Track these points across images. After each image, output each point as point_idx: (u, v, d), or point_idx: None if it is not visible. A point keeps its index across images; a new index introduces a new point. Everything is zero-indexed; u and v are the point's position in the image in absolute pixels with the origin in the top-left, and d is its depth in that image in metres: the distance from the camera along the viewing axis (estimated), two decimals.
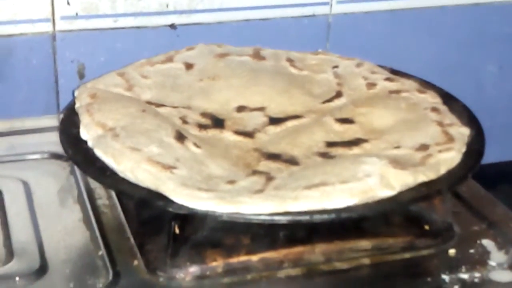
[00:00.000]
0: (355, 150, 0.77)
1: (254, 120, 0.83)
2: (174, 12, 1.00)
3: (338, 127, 0.82)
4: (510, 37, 1.16)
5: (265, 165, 0.74)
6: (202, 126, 0.81)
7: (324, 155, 0.77)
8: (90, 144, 0.76)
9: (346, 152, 0.77)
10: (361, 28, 1.08)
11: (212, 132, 0.80)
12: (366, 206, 0.68)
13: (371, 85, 0.89)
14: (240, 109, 0.85)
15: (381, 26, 1.09)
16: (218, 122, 0.82)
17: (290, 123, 0.83)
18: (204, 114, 0.83)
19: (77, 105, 0.82)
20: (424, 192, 0.70)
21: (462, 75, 1.14)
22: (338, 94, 0.87)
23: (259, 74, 0.90)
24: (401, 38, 1.10)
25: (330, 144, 0.79)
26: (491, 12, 1.13)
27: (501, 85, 1.19)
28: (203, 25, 1.02)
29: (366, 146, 0.78)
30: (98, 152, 0.73)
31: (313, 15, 1.06)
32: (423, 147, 0.76)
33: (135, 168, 0.70)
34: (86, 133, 0.77)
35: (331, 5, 1.06)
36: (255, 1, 1.03)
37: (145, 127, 0.76)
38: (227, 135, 0.80)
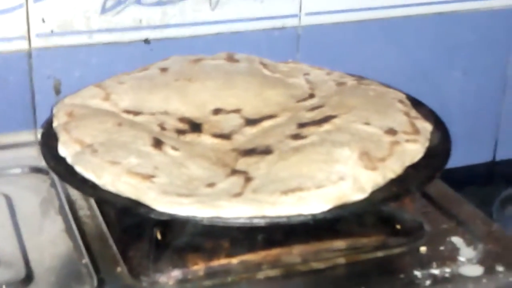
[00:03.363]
0: (326, 126, 0.79)
1: (231, 122, 0.84)
2: (148, 27, 1.02)
3: (309, 114, 0.83)
4: (472, 43, 1.19)
5: (243, 162, 0.75)
6: (180, 132, 0.81)
7: (296, 136, 0.78)
8: (69, 160, 0.76)
9: (317, 130, 0.78)
10: (330, 38, 1.10)
11: (190, 137, 0.81)
12: (340, 207, 0.69)
13: (341, 84, 0.91)
14: (217, 111, 0.86)
15: (349, 36, 1.11)
16: (195, 127, 0.83)
17: (266, 123, 0.83)
18: (181, 119, 0.84)
19: (54, 124, 0.82)
20: (395, 191, 0.73)
21: (428, 81, 1.17)
22: (311, 96, 0.89)
23: (234, 76, 0.91)
24: (368, 47, 1.13)
25: (301, 125, 0.80)
26: (454, 21, 1.16)
27: (465, 90, 1.22)
28: (176, 39, 1.03)
29: (336, 121, 0.79)
30: (79, 168, 0.74)
31: (283, 27, 1.08)
32: (392, 131, 0.78)
33: (115, 181, 0.71)
34: (65, 150, 0.77)
35: (300, 17, 1.08)
36: (226, 15, 1.05)
37: (122, 140, 0.77)
38: (205, 139, 0.81)
